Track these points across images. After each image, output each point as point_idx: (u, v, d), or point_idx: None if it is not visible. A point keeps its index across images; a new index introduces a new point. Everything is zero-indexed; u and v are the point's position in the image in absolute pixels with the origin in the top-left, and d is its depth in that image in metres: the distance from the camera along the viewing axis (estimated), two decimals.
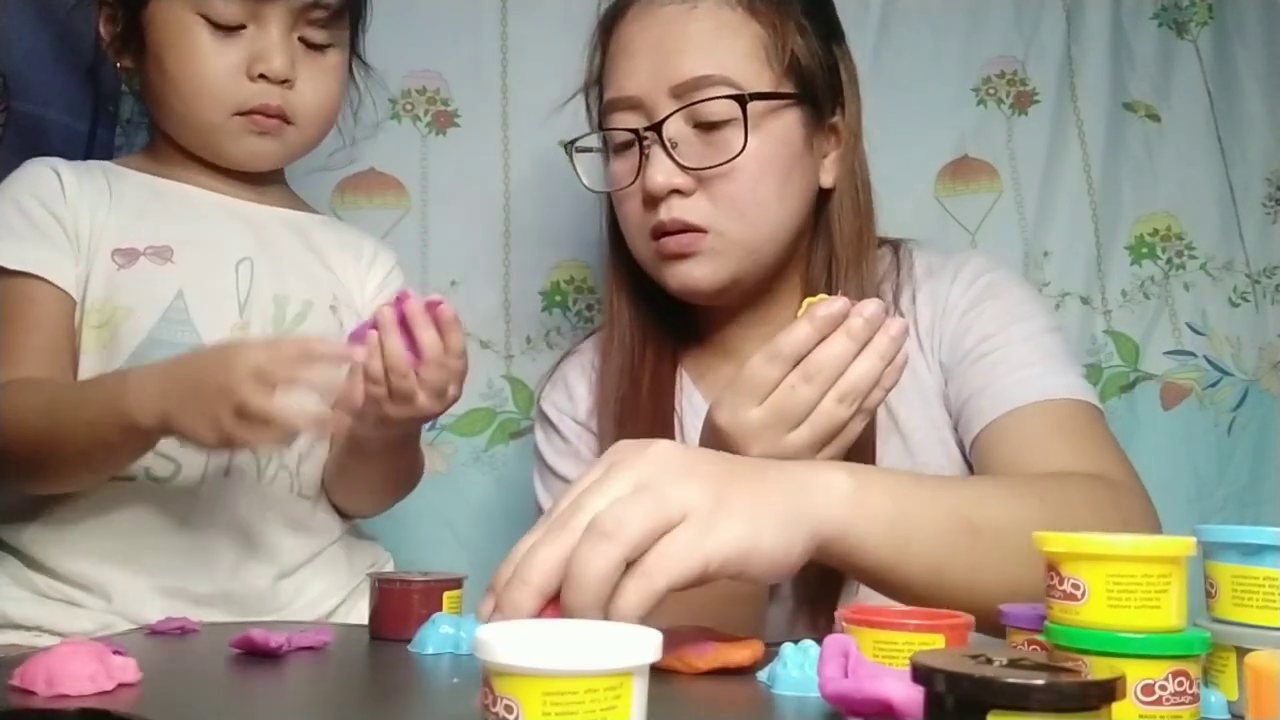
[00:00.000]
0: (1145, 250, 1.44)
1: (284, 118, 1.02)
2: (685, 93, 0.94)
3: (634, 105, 0.96)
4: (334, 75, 1.06)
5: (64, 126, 1.23)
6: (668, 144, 0.94)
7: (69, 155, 1.04)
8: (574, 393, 1.08)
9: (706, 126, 0.94)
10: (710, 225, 0.94)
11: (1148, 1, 1.49)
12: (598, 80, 1.03)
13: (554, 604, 0.56)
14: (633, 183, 0.97)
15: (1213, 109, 1.46)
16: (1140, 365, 1.41)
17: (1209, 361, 1.41)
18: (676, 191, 0.94)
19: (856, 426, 0.75)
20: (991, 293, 0.98)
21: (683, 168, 0.94)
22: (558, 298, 1.39)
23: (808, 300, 0.76)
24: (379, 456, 0.99)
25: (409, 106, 1.40)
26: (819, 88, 0.98)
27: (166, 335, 0.96)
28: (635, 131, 0.95)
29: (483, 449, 1.35)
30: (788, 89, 0.96)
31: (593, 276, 1.39)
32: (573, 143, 1.03)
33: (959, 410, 0.95)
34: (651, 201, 0.95)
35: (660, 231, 0.95)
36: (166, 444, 0.95)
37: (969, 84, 1.47)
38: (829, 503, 0.64)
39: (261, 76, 1.00)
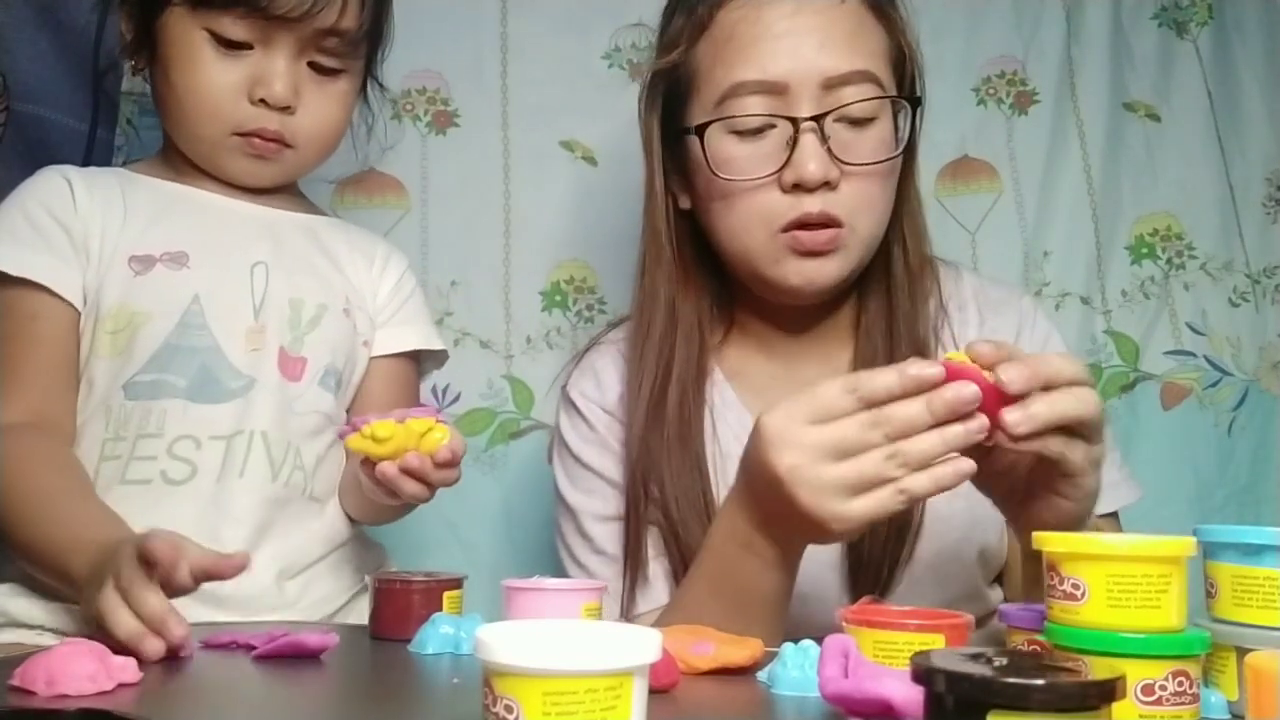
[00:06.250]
0: (1145, 250, 1.44)
1: (282, 141, 1.02)
2: (837, 86, 0.93)
3: (776, 90, 0.93)
4: (341, 101, 1.05)
5: (64, 126, 1.23)
6: (826, 134, 0.92)
7: (69, 155, 1.05)
8: (603, 380, 1.06)
9: (851, 122, 0.94)
10: (849, 220, 0.94)
11: (1148, 1, 1.49)
12: (675, 55, 0.99)
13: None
14: (775, 171, 0.94)
15: (1213, 109, 1.46)
16: (1140, 365, 1.41)
17: (1209, 361, 1.41)
18: (825, 184, 0.93)
19: (887, 498, 0.70)
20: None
21: (838, 160, 0.93)
22: (558, 298, 1.39)
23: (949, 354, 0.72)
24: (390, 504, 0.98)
25: (409, 106, 1.40)
26: (920, 91, 1.01)
27: (183, 340, 0.96)
28: (793, 119, 0.92)
29: (483, 449, 1.35)
30: (905, 92, 0.98)
31: (593, 276, 1.39)
32: (705, 125, 0.95)
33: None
34: (796, 191, 0.93)
35: (800, 224, 0.93)
36: (181, 446, 0.95)
37: (969, 84, 1.47)
38: None
39: (262, 100, 0.99)
